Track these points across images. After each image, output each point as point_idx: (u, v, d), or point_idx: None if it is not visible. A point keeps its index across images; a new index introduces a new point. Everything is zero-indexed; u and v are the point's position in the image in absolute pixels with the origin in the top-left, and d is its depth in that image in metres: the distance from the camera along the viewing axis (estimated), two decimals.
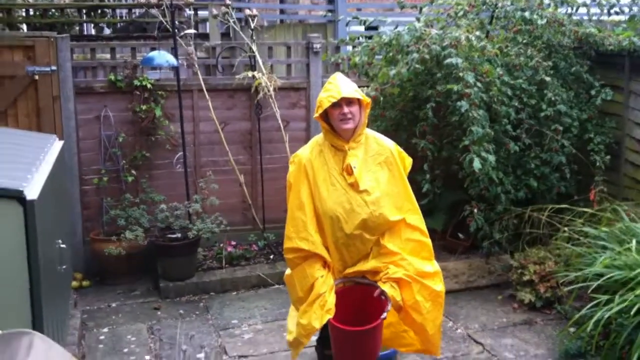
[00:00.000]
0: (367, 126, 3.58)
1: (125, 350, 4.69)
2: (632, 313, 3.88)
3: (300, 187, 3.48)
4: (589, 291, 4.28)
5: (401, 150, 3.61)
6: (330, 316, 3.30)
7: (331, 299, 3.34)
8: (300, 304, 3.48)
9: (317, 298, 3.35)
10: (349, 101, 3.37)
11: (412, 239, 3.50)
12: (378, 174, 3.46)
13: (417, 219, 3.54)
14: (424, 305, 3.45)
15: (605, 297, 4.16)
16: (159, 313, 5.29)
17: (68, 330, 4.56)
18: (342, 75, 3.48)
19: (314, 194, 3.45)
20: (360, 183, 3.41)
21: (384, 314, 3.31)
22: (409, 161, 3.63)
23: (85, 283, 5.75)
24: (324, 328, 3.45)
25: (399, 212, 3.47)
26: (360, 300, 3.47)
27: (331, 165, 3.45)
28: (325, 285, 3.37)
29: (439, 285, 3.51)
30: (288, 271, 3.61)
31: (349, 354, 3.44)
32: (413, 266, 3.45)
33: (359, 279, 3.50)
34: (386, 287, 3.38)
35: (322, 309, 3.32)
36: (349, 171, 3.41)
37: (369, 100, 3.47)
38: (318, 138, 3.57)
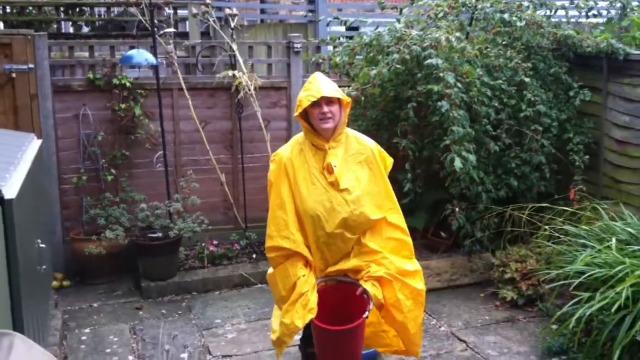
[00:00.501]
0: (348, 126, 3.59)
1: (108, 350, 4.64)
2: (613, 310, 3.94)
3: (280, 186, 3.47)
4: (571, 289, 4.33)
5: (382, 149, 3.62)
6: (312, 315, 3.30)
7: (313, 298, 3.34)
8: (282, 302, 3.48)
9: (299, 297, 3.35)
10: (328, 100, 3.37)
11: (393, 238, 3.51)
12: (358, 173, 3.46)
13: (397, 217, 3.55)
14: (405, 303, 3.46)
15: (586, 295, 4.21)
16: (141, 313, 5.24)
17: (49, 330, 4.50)
18: (322, 75, 3.48)
19: (295, 193, 3.45)
20: (341, 182, 3.41)
21: (366, 313, 3.32)
22: (389, 160, 3.64)
23: (65, 283, 5.68)
24: (307, 327, 3.45)
25: (380, 210, 3.48)
26: (342, 298, 3.47)
27: (311, 164, 3.45)
28: (307, 285, 3.37)
29: (420, 284, 3.52)
30: (270, 270, 3.60)
31: (331, 353, 3.44)
32: (394, 264, 3.46)
33: (341, 278, 3.51)
34: (368, 286, 3.39)
35: (305, 308, 3.32)
36: (330, 170, 3.41)
37: (349, 99, 3.47)
38: (298, 137, 3.57)
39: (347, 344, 3.40)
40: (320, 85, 3.36)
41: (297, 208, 3.45)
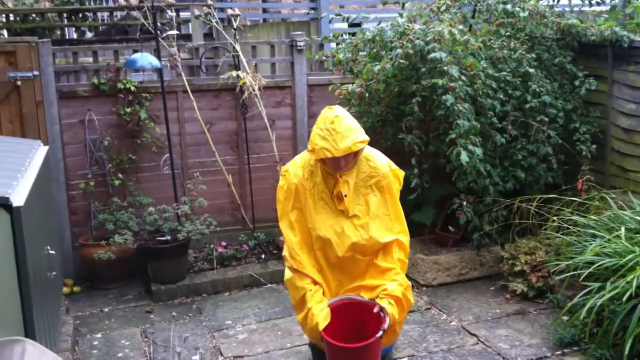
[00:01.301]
0: None
1: (120, 354, 4.66)
2: (624, 299, 3.92)
3: (289, 208, 3.47)
4: (581, 279, 4.32)
5: (394, 167, 3.55)
6: (319, 329, 3.31)
7: (318, 312, 3.33)
8: (296, 310, 3.54)
9: (307, 311, 3.39)
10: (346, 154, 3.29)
11: (401, 259, 3.52)
12: (368, 197, 3.45)
13: (406, 240, 3.55)
14: (402, 316, 3.52)
15: (596, 285, 4.19)
16: (151, 316, 5.26)
17: (61, 336, 4.52)
18: (342, 119, 3.26)
19: (306, 216, 3.45)
20: (350, 209, 3.42)
21: (380, 332, 3.29)
22: (401, 175, 3.58)
23: (76, 289, 5.71)
24: None
25: (390, 233, 3.48)
26: (358, 315, 3.45)
27: (322, 188, 3.44)
28: (313, 300, 3.39)
29: (412, 297, 3.57)
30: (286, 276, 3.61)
31: None
32: (404, 279, 3.49)
33: (357, 297, 3.48)
34: (384, 303, 3.36)
35: (312, 322, 3.35)
36: (340, 198, 3.41)
37: (367, 140, 3.34)
38: (310, 158, 3.47)
39: None
40: (338, 139, 3.21)
41: (309, 230, 3.46)
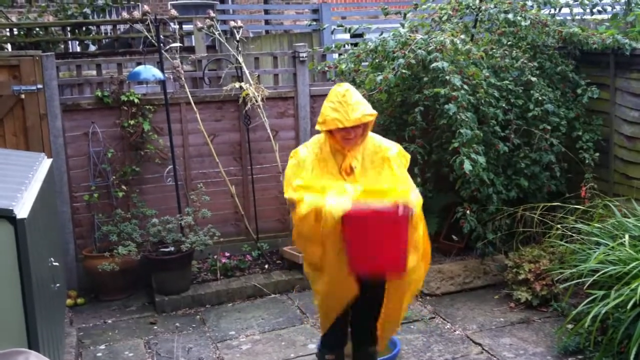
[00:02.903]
0: None
1: None
2: (628, 307, 3.91)
3: (298, 177, 3.55)
4: (585, 287, 4.31)
5: (399, 150, 3.73)
6: (339, 214, 3.24)
7: (333, 202, 3.29)
8: (310, 238, 3.45)
9: (322, 208, 3.32)
10: (356, 125, 3.44)
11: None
12: (375, 170, 3.58)
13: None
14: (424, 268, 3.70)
15: (601, 293, 4.18)
16: (155, 327, 5.24)
17: (65, 348, 4.53)
18: (352, 93, 3.47)
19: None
20: (359, 182, 3.50)
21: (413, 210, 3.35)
22: (408, 156, 3.78)
23: (80, 300, 5.70)
24: (327, 332, 3.66)
25: None
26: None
27: (331, 164, 3.56)
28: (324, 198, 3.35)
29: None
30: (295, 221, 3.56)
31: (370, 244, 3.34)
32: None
33: (373, 204, 3.38)
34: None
35: (329, 215, 3.29)
36: (348, 172, 3.52)
37: (375, 114, 3.49)
38: (320, 137, 3.66)
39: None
40: (349, 111, 3.37)
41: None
